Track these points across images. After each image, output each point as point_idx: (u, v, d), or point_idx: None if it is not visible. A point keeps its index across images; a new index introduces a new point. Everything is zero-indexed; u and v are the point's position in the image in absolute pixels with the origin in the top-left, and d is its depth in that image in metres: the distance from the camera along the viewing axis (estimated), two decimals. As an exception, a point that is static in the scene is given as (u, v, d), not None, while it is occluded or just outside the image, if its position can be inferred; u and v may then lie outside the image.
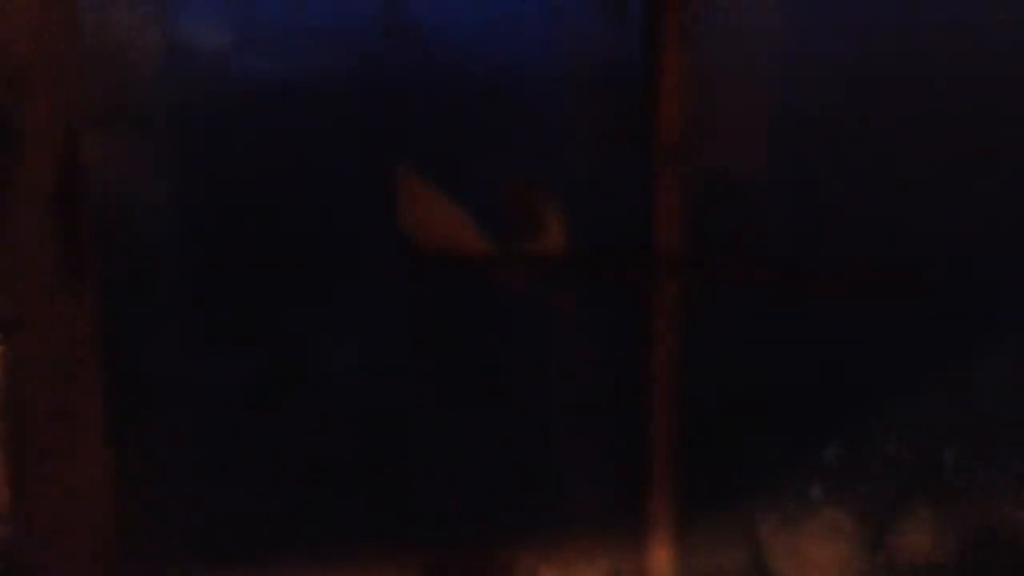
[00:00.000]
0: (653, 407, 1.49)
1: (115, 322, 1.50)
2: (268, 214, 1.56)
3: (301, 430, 1.61)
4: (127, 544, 1.47)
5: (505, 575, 1.61)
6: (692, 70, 1.46)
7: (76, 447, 1.13)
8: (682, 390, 1.49)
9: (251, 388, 1.61)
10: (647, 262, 1.45)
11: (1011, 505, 1.30)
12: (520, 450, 1.68)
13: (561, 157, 1.64)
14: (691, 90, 1.46)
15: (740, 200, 1.52)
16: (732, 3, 1.51)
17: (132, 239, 1.52)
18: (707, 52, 1.51)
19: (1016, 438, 1.36)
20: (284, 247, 1.56)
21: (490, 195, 1.32)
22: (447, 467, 1.65)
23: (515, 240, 1.29)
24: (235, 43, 1.50)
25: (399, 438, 1.64)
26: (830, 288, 1.23)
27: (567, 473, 1.69)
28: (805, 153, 1.49)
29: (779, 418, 1.39)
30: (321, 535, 1.61)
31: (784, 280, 1.22)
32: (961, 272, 1.34)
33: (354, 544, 1.62)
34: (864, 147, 1.43)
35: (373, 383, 1.66)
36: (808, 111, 1.49)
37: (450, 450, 1.65)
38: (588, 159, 1.61)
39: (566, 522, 1.67)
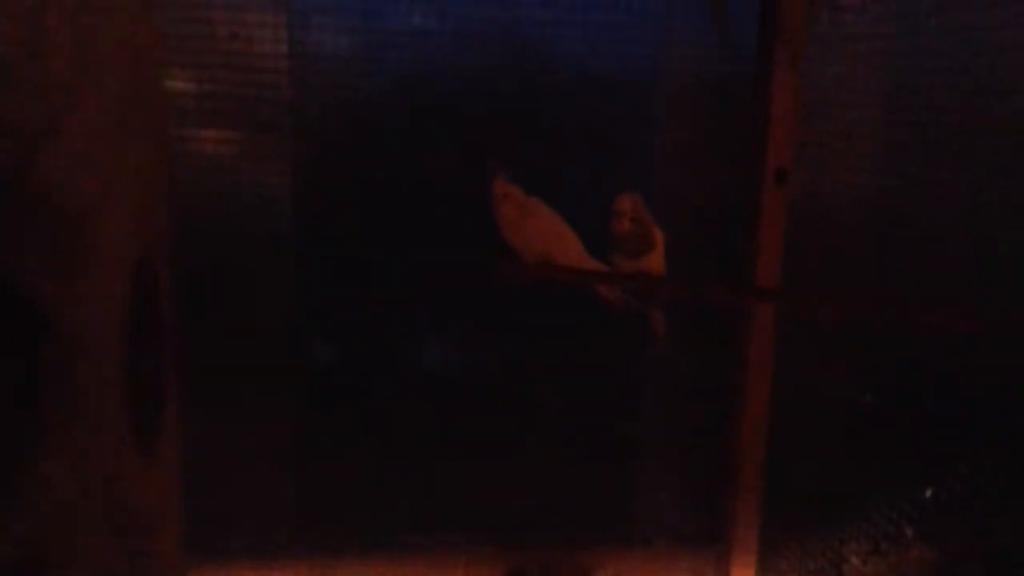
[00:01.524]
0: (743, 430, 1.51)
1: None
2: (388, 218, 1.62)
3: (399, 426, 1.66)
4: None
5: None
6: (801, 97, 1.46)
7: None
8: (772, 416, 1.50)
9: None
10: (746, 288, 1.46)
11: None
12: (607, 460, 1.71)
13: (667, 177, 1.66)
14: (801, 116, 1.47)
15: (841, 228, 1.52)
16: (838, 33, 1.51)
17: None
18: (815, 80, 1.51)
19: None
20: (397, 250, 1.61)
21: (600, 211, 1.34)
22: (534, 471, 1.69)
23: (624, 257, 1.30)
24: (357, 50, 1.56)
25: (490, 440, 1.68)
26: (926, 327, 1.23)
27: (654, 486, 1.72)
28: (907, 179, 1.48)
29: (877, 453, 1.39)
30: (410, 532, 1.67)
31: (881, 316, 1.22)
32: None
33: (437, 541, 1.67)
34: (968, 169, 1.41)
35: (469, 384, 1.71)
36: (911, 139, 1.47)
37: (539, 454, 1.69)
38: (693, 180, 1.63)
39: (649, 534, 1.70)
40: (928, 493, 1.18)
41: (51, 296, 0.77)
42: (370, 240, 1.62)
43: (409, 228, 1.62)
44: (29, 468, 0.77)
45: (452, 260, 1.61)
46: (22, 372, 0.76)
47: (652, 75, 1.65)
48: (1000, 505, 1.15)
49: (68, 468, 0.77)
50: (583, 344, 1.66)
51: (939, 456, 1.24)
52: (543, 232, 1.37)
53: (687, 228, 1.62)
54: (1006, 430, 1.20)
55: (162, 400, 0.91)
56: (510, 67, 1.61)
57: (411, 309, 1.66)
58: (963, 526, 1.18)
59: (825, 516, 1.47)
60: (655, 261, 1.31)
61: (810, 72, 1.50)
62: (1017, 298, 1.23)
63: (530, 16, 1.59)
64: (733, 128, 1.56)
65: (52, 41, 0.75)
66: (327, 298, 1.64)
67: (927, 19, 1.41)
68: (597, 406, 1.69)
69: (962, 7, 1.38)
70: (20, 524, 0.77)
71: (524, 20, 1.59)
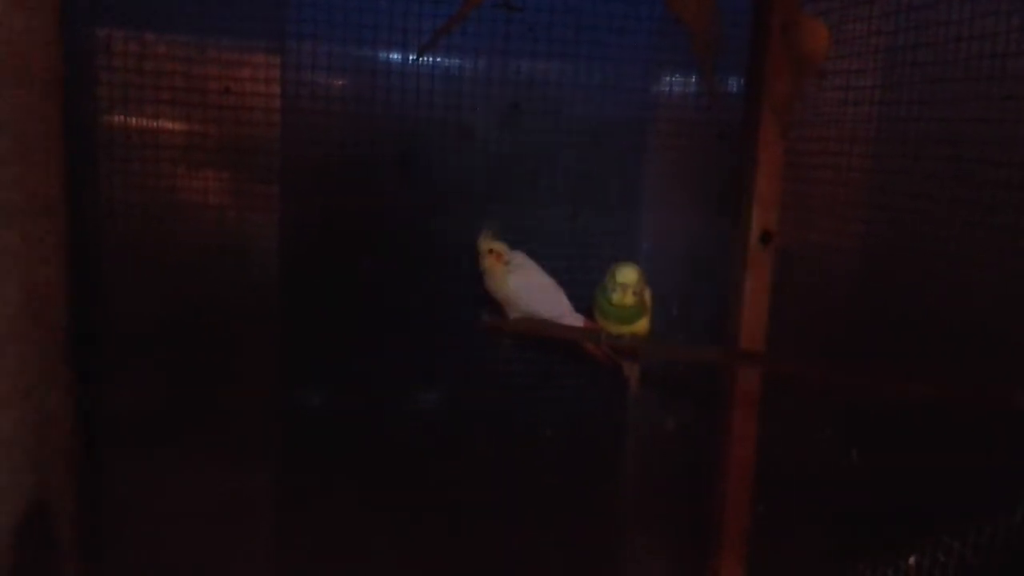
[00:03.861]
0: (726, 493, 1.48)
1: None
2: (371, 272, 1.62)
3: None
4: None
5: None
6: (789, 158, 1.48)
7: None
8: (755, 477, 1.48)
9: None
10: (730, 351, 1.46)
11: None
12: (590, 521, 1.69)
13: (654, 237, 1.67)
14: (787, 177, 1.48)
15: (827, 292, 1.52)
16: (825, 94, 1.53)
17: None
18: (802, 142, 1.53)
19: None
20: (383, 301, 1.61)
21: (580, 262, 1.34)
22: (518, 528, 1.66)
23: (615, 323, 1.30)
24: (348, 102, 1.58)
25: (474, 493, 1.66)
26: (913, 395, 1.22)
27: (638, 551, 1.69)
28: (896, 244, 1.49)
29: (856, 519, 1.37)
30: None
31: (866, 382, 1.21)
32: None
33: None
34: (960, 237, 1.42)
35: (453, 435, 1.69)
36: (898, 204, 1.48)
37: (523, 512, 1.67)
38: (679, 240, 1.64)
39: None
40: (911, 560, 1.16)
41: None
42: (356, 289, 1.62)
43: (396, 278, 1.62)
44: None
45: (439, 311, 1.62)
46: None
47: (640, 133, 1.68)
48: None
49: None
50: (565, 403, 1.65)
51: (923, 524, 1.23)
52: (528, 288, 1.38)
53: (673, 288, 1.63)
54: (991, 501, 1.19)
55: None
56: (501, 120, 1.63)
57: (397, 360, 1.65)
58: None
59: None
60: (643, 323, 1.31)
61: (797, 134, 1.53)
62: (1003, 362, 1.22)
63: (521, 70, 1.62)
64: (720, 189, 1.58)
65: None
66: (313, 347, 1.63)
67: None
68: (580, 466, 1.68)
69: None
70: None
71: (516, 74, 1.62)
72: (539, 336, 1.46)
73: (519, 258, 1.39)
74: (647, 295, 1.29)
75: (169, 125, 1.55)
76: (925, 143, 1.51)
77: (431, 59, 1.59)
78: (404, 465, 1.65)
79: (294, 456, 1.64)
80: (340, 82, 1.59)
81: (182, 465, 1.57)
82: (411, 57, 1.56)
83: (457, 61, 1.61)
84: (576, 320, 1.40)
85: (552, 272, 1.41)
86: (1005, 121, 1.33)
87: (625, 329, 1.28)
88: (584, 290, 1.37)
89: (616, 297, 1.25)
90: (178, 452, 1.57)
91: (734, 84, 1.67)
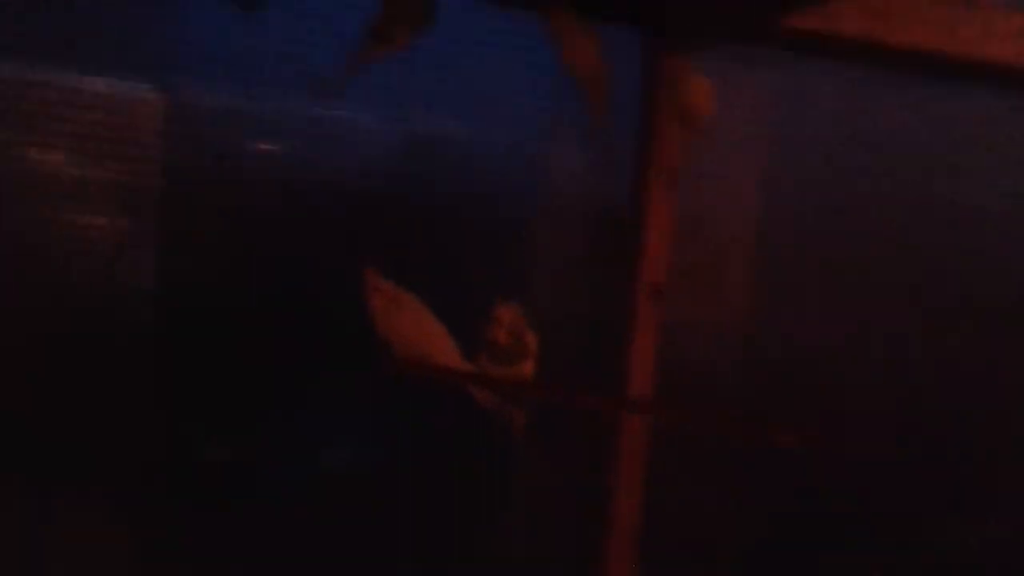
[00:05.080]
0: (611, 543, 1.46)
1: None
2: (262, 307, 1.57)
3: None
4: None
5: None
6: (677, 214, 1.50)
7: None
8: (643, 527, 1.46)
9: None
10: (616, 399, 1.45)
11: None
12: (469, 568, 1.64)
13: (545, 285, 1.67)
14: (675, 233, 1.50)
15: (717, 345, 1.54)
16: (716, 152, 1.58)
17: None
18: (692, 198, 1.57)
19: None
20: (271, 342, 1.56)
21: (478, 314, 1.33)
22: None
23: (492, 363, 1.28)
24: (232, 139, 1.55)
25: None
26: (797, 444, 1.23)
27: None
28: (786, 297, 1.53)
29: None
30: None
31: (748, 432, 1.22)
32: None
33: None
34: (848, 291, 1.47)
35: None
36: (789, 258, 1.53)
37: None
38: (571, 290, 1.64)
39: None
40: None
41: None
42: (239, 331, 1.56)
43: (280, 318, 1.57)
44: None
45: (328, 354, 1.57)
46: None
47: (534, 185, 1.69)
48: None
49: None
50: (447, 450, 1.61)
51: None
52: (415, 328, 1.35)
53: (562, 338, 1.62)
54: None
55: None
56: (394, 162, 1.62)
57: (283, 403, 1.59)
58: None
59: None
60: (527, 367, 1.30)
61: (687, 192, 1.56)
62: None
63: (420, 114, 1.62)
64: (611, 241, 1.60)
65: None
66: (193, 390, 1.56)
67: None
68: (460, 517, 1.63)
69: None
70: None
71: (413, 118, 1.62)
72: (429, 378, 1.43)
73: (407, 298, 1.36)
74: (530, 339, 1.28)
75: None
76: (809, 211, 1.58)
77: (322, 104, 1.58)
78: (290, 514, 1.58)
79: (171, 506, 1.55)
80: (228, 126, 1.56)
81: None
82: (307, 101, 1.55)
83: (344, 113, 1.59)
84: (464, 366, 1.37)
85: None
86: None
87: (505, 371, 1.27)
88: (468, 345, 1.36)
89: (489, 332, 1.24)
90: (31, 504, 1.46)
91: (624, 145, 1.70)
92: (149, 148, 1.52)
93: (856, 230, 1.59)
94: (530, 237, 1.69)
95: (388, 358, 1.37)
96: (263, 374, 1.58)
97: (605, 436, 1.49)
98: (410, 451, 1.64)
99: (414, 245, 1.63)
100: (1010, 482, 1.49)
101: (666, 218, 1.48)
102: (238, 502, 1.60)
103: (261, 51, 1.53)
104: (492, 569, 1.64)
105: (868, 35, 1.32)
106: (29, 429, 1.48)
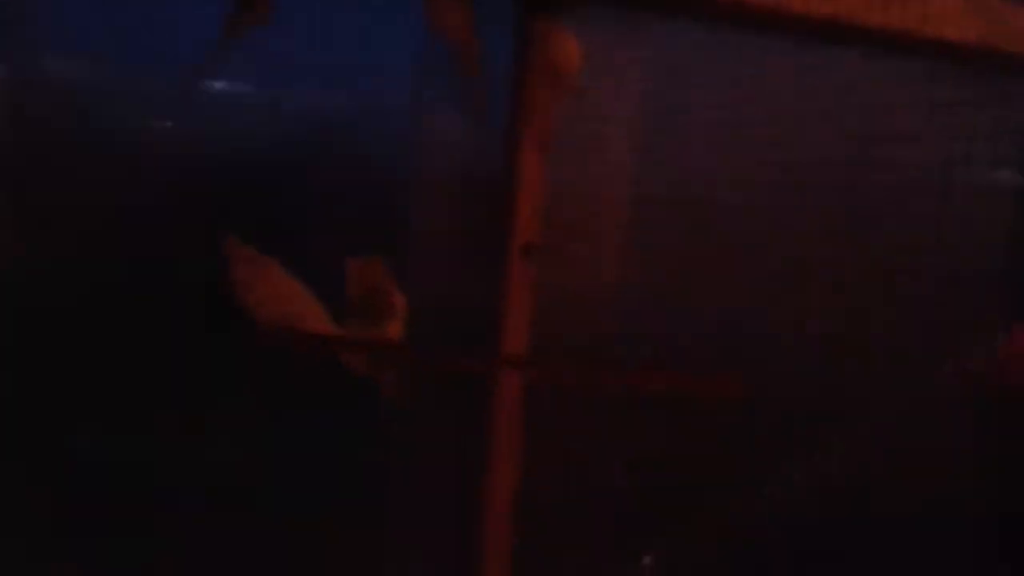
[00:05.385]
0: (489, 501, 1.45)
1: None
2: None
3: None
4: None
5: None
6: (548, 176, 1.50)
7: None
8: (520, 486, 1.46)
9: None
10: (490, 357, 1.44)
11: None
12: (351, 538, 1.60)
13: (417, 248, 1.64)
14: (546, 195, 1.50)
15: (589, 303, 1.55)
16: (586, 115, 1.58)
17: None
18: (563, 160, 1.56)
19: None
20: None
21: (337, 275, 1.29)
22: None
23: (359, 322, 1.25)
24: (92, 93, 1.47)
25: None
26: (659, 392, 1.25)
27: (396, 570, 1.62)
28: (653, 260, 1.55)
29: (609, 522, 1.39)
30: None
31: (618, 383, 1.23)
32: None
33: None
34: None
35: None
36: (656, 221, 1.55)
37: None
38: (444, 252, 1.62)
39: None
40: (647, 560, 1.18)
41: None
42: (101, 315, 1.49)
43: (145, 298, 1.51)
44: None
45: (190, 330, 1.51)
46: None
47: (407, 150, 1.66)
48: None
49: None
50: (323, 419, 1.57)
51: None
52: (278, 294, 1.31)
53: (438, 300, 1.61)
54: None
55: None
56: (264, 133, 1.57)
57: (153, 387, 1.52)
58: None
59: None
60: (392, 328, 1.27)
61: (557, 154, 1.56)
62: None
63: (289, 84, 1.57)
64: (486, 204, 1.58)
65: None
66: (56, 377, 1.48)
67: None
68: (337, 487, 1.60)
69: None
70: None
71: (282, 87, 1.57)
72: (295, 347, 1.39)
73: (270, 263, 1.32)
74: (397, 300, 1.25)
75: None
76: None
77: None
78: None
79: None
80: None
81: None
82: (181, 79, 1.48)
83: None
84: (332, 331, 1.34)
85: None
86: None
87: (369, 331, 1.24)
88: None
89: (349, 289, 1.21)
90: None
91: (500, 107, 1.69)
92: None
93: (732, 199, 1.61)
94: (404, 202, 1.66)
95: (252, 327, 1.32)
96: (129, 358, 1.51)
97: (480, 399, 1.48)
98: (282, 429, 1.59)
99: (286, 215, 1.58)
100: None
101: (537, 177, 1.48)
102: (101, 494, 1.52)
103: (130, 27, 1.47)
104: (371, 540, 1.61)
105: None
106: None
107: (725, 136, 1.66)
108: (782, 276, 1.58)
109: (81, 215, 1.49)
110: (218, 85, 1.56)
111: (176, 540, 1.53)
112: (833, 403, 1.49)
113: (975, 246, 1.44)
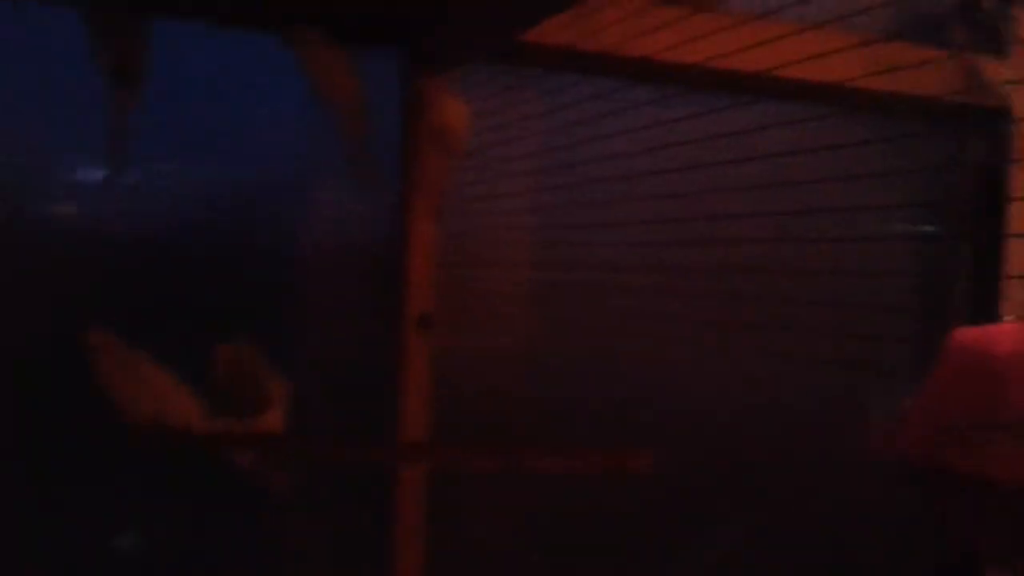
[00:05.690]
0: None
1: None
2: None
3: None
4: None
5: None
6: (440, 246, 1.43)
7: None
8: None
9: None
10: (388, 447, 1.36)
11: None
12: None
13: (304, 327, 1.55)
14: (439, 265, 1.43)
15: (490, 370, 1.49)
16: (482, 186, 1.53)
17: None
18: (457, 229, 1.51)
19: None
20: None
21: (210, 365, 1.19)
22: None
23: (229, 413, 1.15)
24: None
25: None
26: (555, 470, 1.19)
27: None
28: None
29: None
30: None
31: (514, 465, 1.16)
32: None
33: None
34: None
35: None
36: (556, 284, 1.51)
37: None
38: (333, 328, 1.54)
39: None
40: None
41: None
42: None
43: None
44: None
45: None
46: None
47: (295, 222, 1.58)
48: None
49: None
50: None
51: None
52: (151, 390, 1.20)
53: (332, 382, 1.52)
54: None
55: None
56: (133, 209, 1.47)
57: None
58: None
59: None
60: (272, 419, 1.17)
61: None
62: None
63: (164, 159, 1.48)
64: (378, 274, 1.51)
65: None
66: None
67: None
68: None
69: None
70: None
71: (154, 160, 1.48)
72: (173, 444, 1.28)
73: (140, 356, 1.21)
74: (275, 386, 1.16)
75: None
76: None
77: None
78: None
79: None
80: None
81: None
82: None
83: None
84: (212, 428, 1.23)
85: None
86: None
87: (246, 423, 1.14)
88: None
89: (214, 377, 1.10)
90: None
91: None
92: None
93: (632, 244, 1.57)
94: (294, 279, 1.57)
95: (128, 426, 1.21)
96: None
97: (381, 487, 1.39)
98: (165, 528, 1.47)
99: (163, 302, 1.48)
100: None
101: (428, 243, 1.41)
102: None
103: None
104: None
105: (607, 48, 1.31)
106: None
107: (622, 190, 1.62)
108: (686, 337, 1.54)
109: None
110: (86, 169, 1.46)
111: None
112: (738, 474, 1.46)
113: (875, 297, 1.42)
